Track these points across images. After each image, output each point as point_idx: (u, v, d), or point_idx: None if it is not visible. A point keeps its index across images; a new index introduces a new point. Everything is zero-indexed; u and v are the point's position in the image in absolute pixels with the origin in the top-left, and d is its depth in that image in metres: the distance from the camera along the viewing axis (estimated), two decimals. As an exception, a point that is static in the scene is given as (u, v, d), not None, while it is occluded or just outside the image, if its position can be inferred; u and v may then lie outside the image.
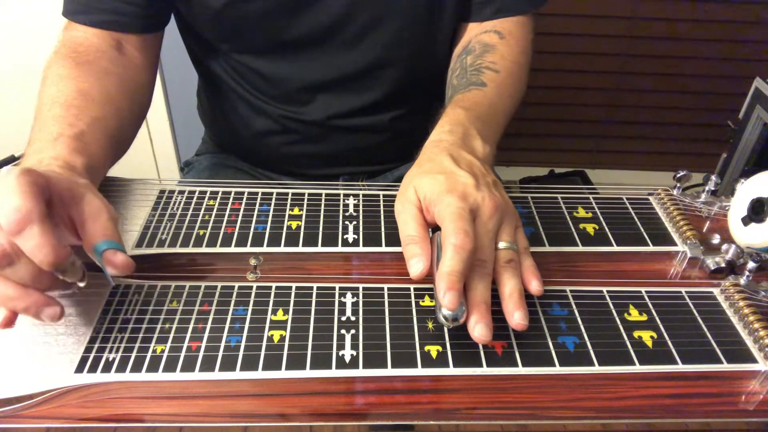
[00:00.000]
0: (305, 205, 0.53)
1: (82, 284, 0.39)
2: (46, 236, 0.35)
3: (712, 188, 0.54)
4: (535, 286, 0.43)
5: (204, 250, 0.48)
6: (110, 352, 0.40)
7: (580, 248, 0.50)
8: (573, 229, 0.52)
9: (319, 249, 0.49)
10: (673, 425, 0.38)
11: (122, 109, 0.56)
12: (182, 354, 0.40)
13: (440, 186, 0.43)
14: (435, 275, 0.41)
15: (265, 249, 0.48)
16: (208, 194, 0.54)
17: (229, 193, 0.55)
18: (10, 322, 0.37)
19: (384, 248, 0.49)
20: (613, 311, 0.44)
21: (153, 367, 0.39)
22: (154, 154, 1.57)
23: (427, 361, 0.40)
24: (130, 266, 0.40)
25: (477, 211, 0.43)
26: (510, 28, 0.65)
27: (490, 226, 0.43)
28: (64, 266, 0.37)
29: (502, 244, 0.43)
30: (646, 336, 0.42)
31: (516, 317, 0.40)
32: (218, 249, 0.48)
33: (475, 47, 0.64)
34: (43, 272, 0.37)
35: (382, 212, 0.53)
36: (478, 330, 0.38)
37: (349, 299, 0.44)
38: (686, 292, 0.46)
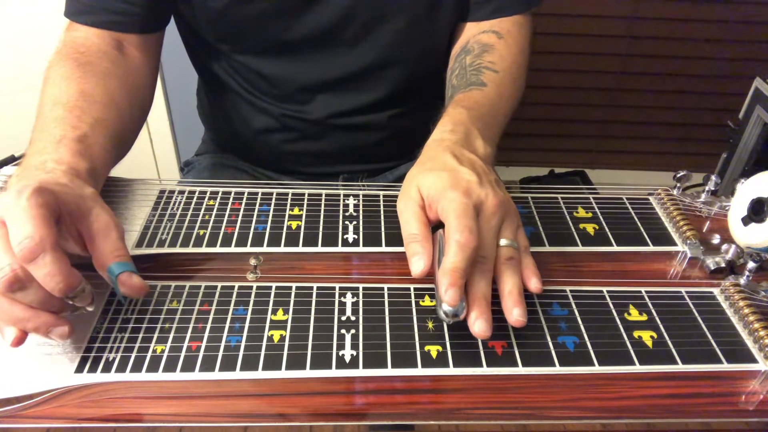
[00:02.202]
0: (305, 205, 0.53)
1: (90, 308, 0.40)
2: (58, 264, 0.36)
3: (712, 188, 0.54)
4: (534, 285, 0.43)
5: (204, 250, 0.48)
6: (110, 352, 0.40)
7: (580, 248, 0.50)
8: (573, 229, 0.52)
9: (319, 249, 0.49)
10: (673, 425, 0.38)
11: (124, 110, 0.56)
12: (182, 354, 0.40)
13: (443, 182, 0.43)
14: (436, 272, 0.41)
15: (265, 249, 0.48)
16: (208, 194, 0.54)
17: (229, 193, 0.55)
18: (20, 341, 0.38)
19: (384, 248, 0.49)
20: (613, 311, 0.44)
21: (153, 367, 0.39)
22: (154, 154, 1.57)
23: (427, 361, 0.40)
24: (144, 288, 0.41)
25: (480, 207, 0.43)
26: (508, 28, 0.65)
27: (493, 222, 0.43)
28: (75, 293, 0.37)
29: (503, 242, 0.43)
30: (646, 336, 0.42)
31: (515, 314, 0.40)
32: (218, 249, 0.48)
33: (474, 47, 0.64)
34: (53, 296, 0.37)
35: (382, 212, 0.53)
36: (478, 325, 0.39)
37: (349, 299, 0.44)
38: (686, 292, 0.46)
